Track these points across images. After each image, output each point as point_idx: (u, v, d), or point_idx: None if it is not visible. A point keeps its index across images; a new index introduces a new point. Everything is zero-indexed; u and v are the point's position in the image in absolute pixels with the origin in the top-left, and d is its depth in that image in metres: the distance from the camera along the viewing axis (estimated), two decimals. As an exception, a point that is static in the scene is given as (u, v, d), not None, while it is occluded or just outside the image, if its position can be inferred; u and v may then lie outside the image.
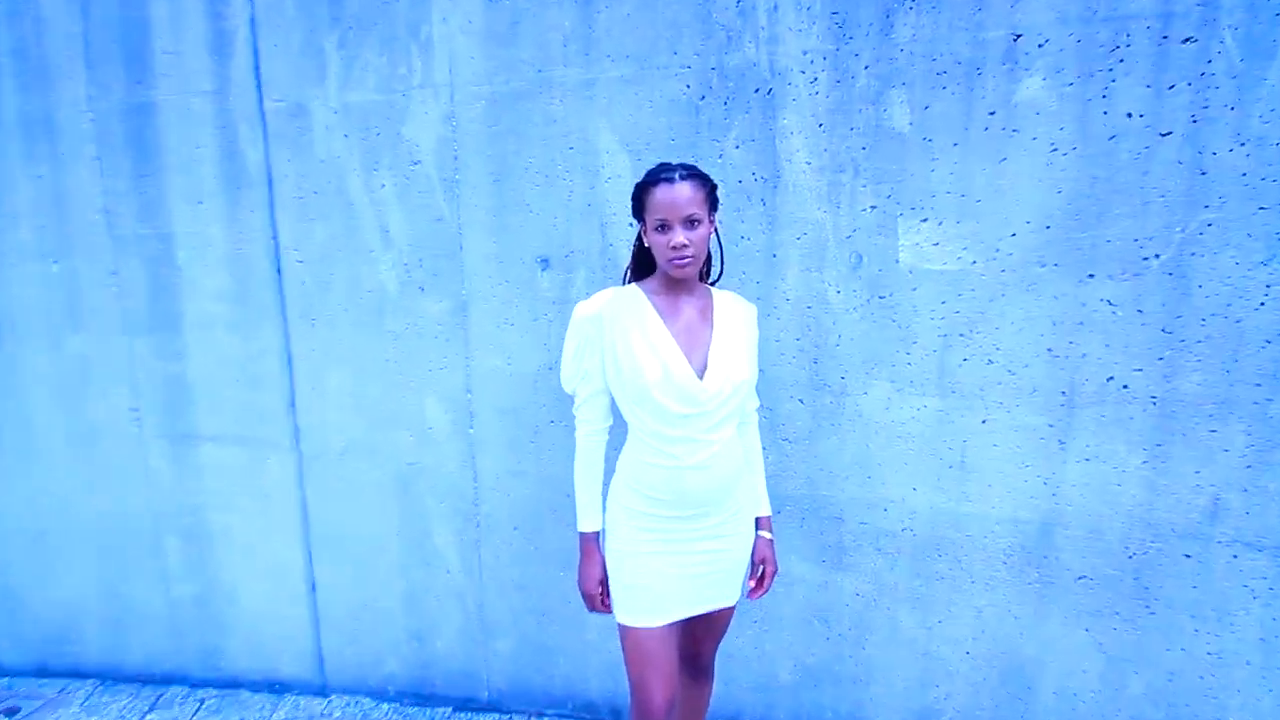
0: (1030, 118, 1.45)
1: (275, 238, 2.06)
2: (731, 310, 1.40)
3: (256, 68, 2.00)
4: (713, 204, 1.32)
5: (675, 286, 1.35)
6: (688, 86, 1.67)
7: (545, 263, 1.85)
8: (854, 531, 1.73)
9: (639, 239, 1.42)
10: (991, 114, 1.47)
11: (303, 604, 2.24)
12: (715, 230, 1.34)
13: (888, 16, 1.50)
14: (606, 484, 1.46)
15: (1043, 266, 1.49)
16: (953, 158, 1.51)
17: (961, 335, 1.56)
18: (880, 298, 1.61)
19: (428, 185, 1.91)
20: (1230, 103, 1.33)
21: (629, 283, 1.46)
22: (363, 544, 2.15)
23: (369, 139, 1.92)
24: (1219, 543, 1.46)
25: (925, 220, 1.55)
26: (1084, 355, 1.49)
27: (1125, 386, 1.47)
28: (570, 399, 1.47)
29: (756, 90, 1.63)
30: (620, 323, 1.31)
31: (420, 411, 2.02)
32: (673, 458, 1.29)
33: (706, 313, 1.37)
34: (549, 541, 1.99)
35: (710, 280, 1.49)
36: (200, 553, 2.28)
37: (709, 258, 1.38)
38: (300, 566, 2.22)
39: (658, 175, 1.28)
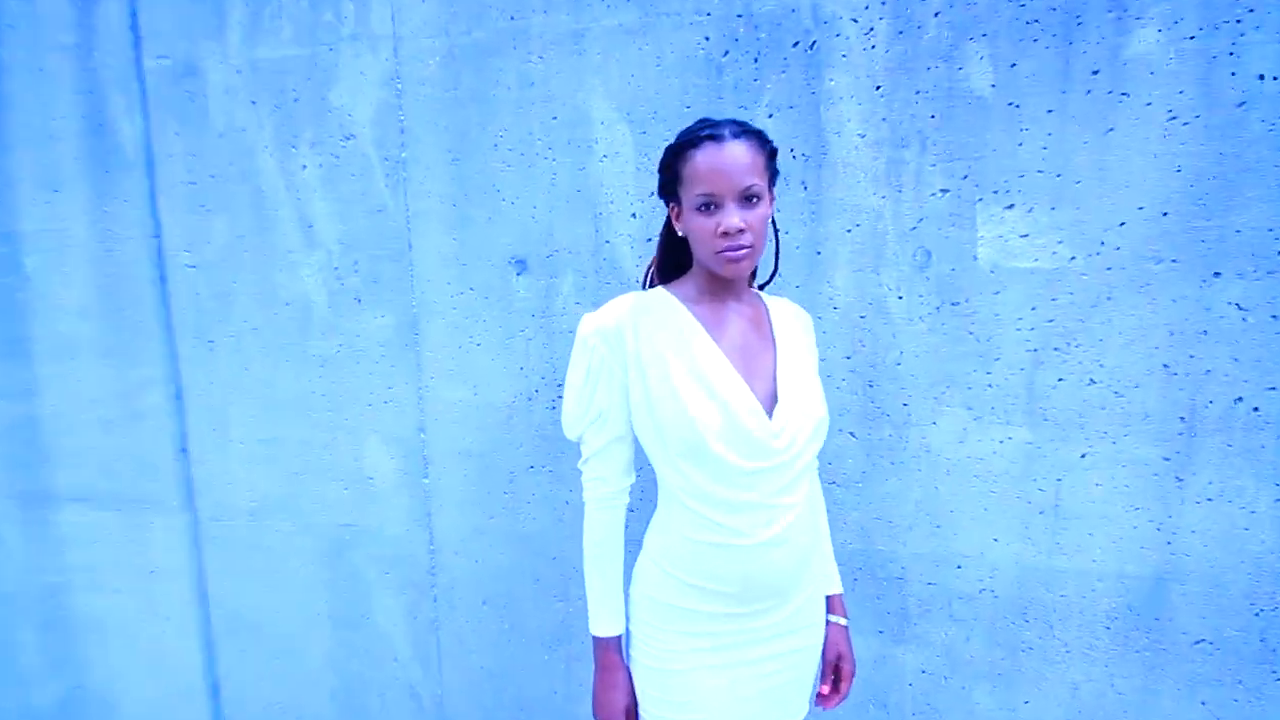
0: (1143, 79, 1.14)
1: (158, 235, 1.55)
2: (790, 322, 1.02)
3: (133, 14, 1.50)
4: (772, 175, 0.94)
5: (721, 291, 0.97)
6: (706, 39, 1.30)
7: (521, 265, 1.43)
8: (919, 594, 1.37)
9: (666, 227, 1.03)
10: (1095, 74, 1.16)
11: (202, 707, 1.70)
12: (772, 214, 0.97)
13: (965, -50, 1.17)
14: (628, 566, 1.05)
15: (1158, 263, 1.18)
16: (1046, 128, 1.19)
17: (1056, 350, 1.24)
18: (953, 304, 1.27)
19: (364, 167, 1.45)
20: (1391, 59, 1.06)
21: (652, 286, 1.06)
22: (281, 629, 1.64)
23: (285, 107, 1.46)
24: (1368, 596, 1.18)
25: (1011, 207, 1.22)
26: (1207, 372, 1.19)
27: (1256, 409, 1.18)
28: (574, 448, 1.05)
29: (796, 44, 1.27)
30: (652, 342, 0.91)
31: (357, 458, 1.54)
32: (736, 533, 0.89)
33: (762, 326, 0.99)
34: (528, 618, 1.55)
35: (761, 284, 1.10)
36: (65, 646, 1.71)
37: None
38: (198, 660, 1.69)
39: (699, 133, 0.89)
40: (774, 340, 0.98)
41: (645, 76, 1.33)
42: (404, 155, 1.45)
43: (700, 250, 0.92)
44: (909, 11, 1.23)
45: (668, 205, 1.01)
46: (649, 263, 1.11)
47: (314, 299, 1.52)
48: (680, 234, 0.97)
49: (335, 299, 1.51)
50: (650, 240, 1.37)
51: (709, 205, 0.88)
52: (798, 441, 0.90)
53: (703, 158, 0.88)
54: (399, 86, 1.43)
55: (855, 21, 1.25)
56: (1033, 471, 1.30)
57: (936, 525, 1.36)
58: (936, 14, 1.22)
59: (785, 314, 1.04)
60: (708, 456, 0.87)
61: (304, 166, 1.48)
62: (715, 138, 0.88)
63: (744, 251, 0.88)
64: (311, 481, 1.58)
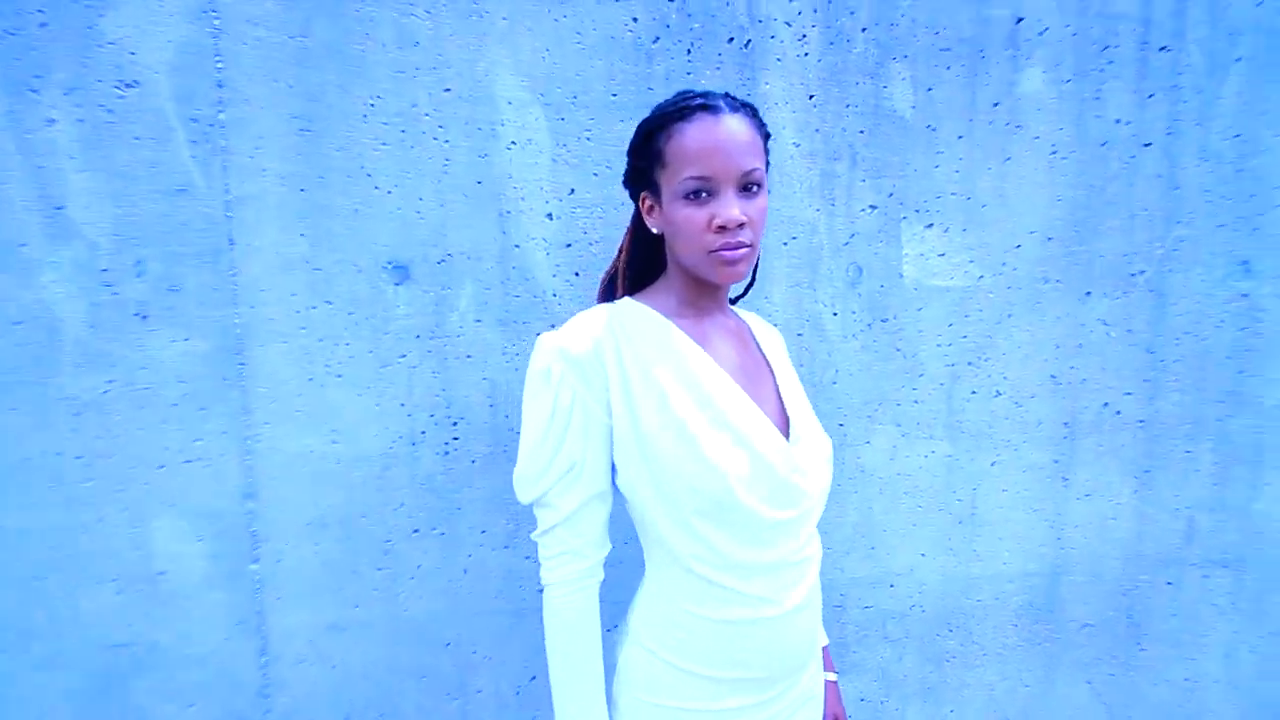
0: (1033, 114, 1.23)
1: None
2: (772, 339, 0.88)
3: None
4: (768, 158, 0.80)
5: (706, 301, 0.79)
6: (634, 20, 1.12)
7: (401, 272, 1.10)
8: (858, 620, 1.31)
9: (635, 224, 0.82)
10: (995, 105, 1.22)
11: None
12: None
13: (889, -30, 1.16)
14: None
15: (1046, 283, 1.27)
16: (958, 152, 1.22)
17: (969, 364, 1.27)
18: (883, 321, 1.24)
19: (157, 127, 1.01)
20: (1196, 118, 1.27)
21: (610, 298, 0.85)
22: (-2, 834, 1.05)
23: (23, 33, 0.96)
24: (1192, 564, 1.38)
25: (930, 226, 1.23)
26: (1083, 381, 1.30)
27: (1118, 412, 1.32)
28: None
29: (731, 40, 1.16)
30: (642, 368, 0.71)
31: (140, 546, 1.05)
32: (765, 602, 0.71)
33: (749, 344, 0.83)
34: (415, 730, 1.18)
35: (735, 297, 0.94)
36: None
37: None
38: None
39: (689, 103, 0.71)
40: (766, 360, 0.82)
41: (563, 53, 1.11)
42: (222, 117, 1.03)
43: (686, 249, 0.73)
44: (839, 23, 1.18)
45: (636, 197, 0.81)
46: (609, 269, 0.89)
47: (63, 316, 1.01)
48: (655, 231, 0.77)
49: (102, 315, 1.02)
50: (570, 246, 1.14)
51: (701, 193, 0.70)
52: (820, 480, 0.75)
53: (695, 133, 0.69)
54: (215, 23, 1.02)
55: (789, 25, 1.17)
56: (952, 483, 1.32)
57: (871, 547, 1.31)
58: (864, 30, 1.19)
59: (763, 330, 0.89)
60: (735, 512, 0.68)
61: (52, 121, 0.98)
62: (710, 108, 0.70)
63: (743, 251, 0.70)
64: (64, 585, 1.04)
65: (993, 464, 1.31)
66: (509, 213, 1.12)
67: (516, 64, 1.10)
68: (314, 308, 1.09)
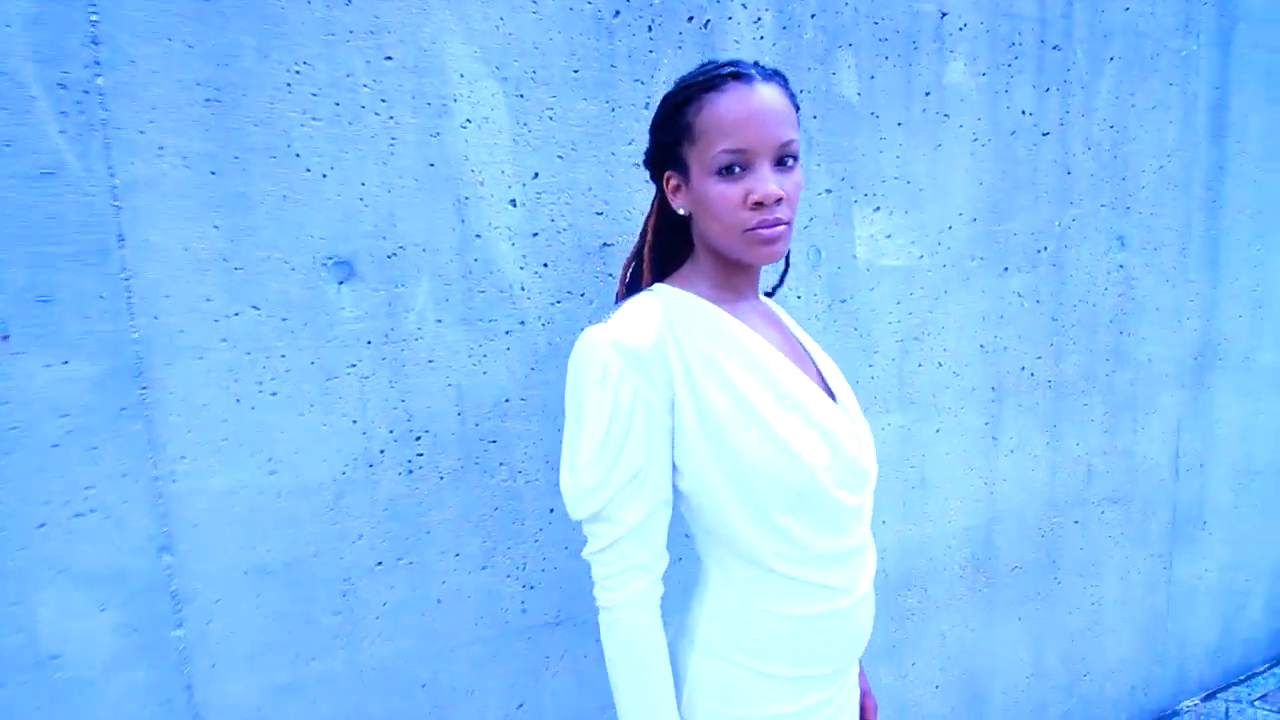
0: (957, 104, 1.32)
1: None
2: (792, 322, 0.87)
3: None
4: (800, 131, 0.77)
5: (743, 286, 0.75)
6: (593, -7, 1.05)
7: (345, 269, 0.95)
8: (831, 593, 1.34)
9: (659, 204, 0.77)
10: (927, 94, 1.29)
11: None
12: None
13: (834, -42, 1.19)
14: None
15: (973, 261, 1.38)
16: (898, 139, 1.28)
17: (916, 339, 1.34)
18: (841, 301, 1.27)
19: (11, 96, 0.79)
20: (1082, 110, 1.42)
21: (634, 289, 0.78)
22: None
23: None
24: (1091, 503, 1.57)
25: (878, 209, 1.28)
26: (1005, 348, 1.43)
27: (1032, 374, 1.47)
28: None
29: (691, 19, 1.12)
30: (707, 360, 0.65)
31: (25, 624, 0.82)
32: (842, 592, 0.68)
33: (782, 326, 0.81)
34: (394, 787, 1.04)
35: (772, 288, 0.90)
36: None
37: None
38: None
39: (719, 72, 0.67)
40: (801, 344, 0.80)
41: (520, 24, 1.01)
42: (100, 82, 0.82)
43: (719, 229, 0.68)
44: (790, 8, 1.18)
45: (660, 178, 0.75)
46: (629, 256, 0.81)
47: (-123, 341, 0.76)
48: (682, 213, 0.72)
49: (-59, 337, 0.78)
50: (537, 235, 1.05)
51: (735, 167, 0.65)
52: (874, 458, 0.74)
53: (728, 103, 0.64)
54: (83, -39, 0.81)
55: (745, 8, 1.15)
56: (906, 453, 1.38)
57: (840, 521, 1.35)
58: (813, 16, 1.20)
59: (784, 313, 0.87)
60: (823, 503, 0.65)
61: None
62: (741, 76, 0.66)
63: (780, 229, 0.66)
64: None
65: (937, 430, 1.40)
66: (467, 199, 1.00)
67: (467, 32, 0.98)
68: (236, 314, 0.90)
